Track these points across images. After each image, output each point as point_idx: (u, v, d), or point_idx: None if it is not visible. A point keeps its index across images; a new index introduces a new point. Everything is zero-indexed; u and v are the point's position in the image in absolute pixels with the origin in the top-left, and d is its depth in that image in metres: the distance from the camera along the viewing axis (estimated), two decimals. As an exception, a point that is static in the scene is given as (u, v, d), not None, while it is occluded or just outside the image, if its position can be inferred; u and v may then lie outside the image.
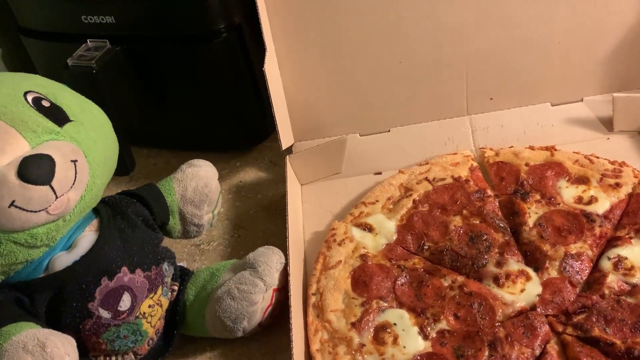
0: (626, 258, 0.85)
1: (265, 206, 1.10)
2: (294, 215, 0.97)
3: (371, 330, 0.81)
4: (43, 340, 0.67)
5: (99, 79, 0.99)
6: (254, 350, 0.88)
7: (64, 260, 0.75)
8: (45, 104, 0.74)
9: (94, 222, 0.80)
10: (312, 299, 0.86)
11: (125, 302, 0.78)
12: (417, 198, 0.98)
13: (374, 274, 0.88)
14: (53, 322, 0.74)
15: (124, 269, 0.79)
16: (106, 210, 0.82)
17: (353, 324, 0.82)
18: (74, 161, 0.72)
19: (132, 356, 0.83)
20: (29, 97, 0.73)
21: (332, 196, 1.06)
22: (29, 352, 0.66)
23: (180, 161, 0.94)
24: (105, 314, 0.77)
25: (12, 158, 0.67)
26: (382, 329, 0.81)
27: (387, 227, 0.95)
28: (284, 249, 0.89)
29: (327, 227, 0.99)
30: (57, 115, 0.74)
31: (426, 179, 1.01)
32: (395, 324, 0.81)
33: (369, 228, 0.95)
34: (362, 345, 0.79)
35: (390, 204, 0.99)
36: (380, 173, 1.09)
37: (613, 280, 0.82)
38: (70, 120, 0.75)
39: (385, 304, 0.84)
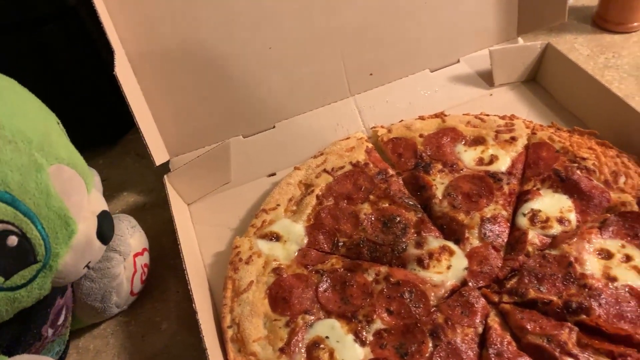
0: (540, 211, 0.83)
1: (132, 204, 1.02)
2: (186, 241, 0.85)
3: (303, 351, 0.72)
4: None
5: None
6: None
7: None
8: None
9: None
10: (229, 333, 0.75)
11: (62, 317, 0.75)
12: (320, 193, 0.90)
13: (292, 287, 0.78)
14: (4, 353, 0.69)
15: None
16: None
17: (282, 350, 0.72)
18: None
19: None
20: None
21: (227, 210, 0.95)
22: None
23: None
24: (50, 332, 0.72)
25: (88, 214, 0.67)
26: (314, 346, 0.72)
27: (295, 231, 0.86)
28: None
29: (228, 247, 0.88)
30: None
31: (324, 170, 0.94)
32: (327, 337, 0.73)
33: (275, 237, 0.85)
34: (297, 370, 0.70)
35: (293, 205, 0.90)
36: (274, 174, 0.99)
37: (534, 236, 0.80)
38: None
39: (312, 318, 0.75)
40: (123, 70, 0.83)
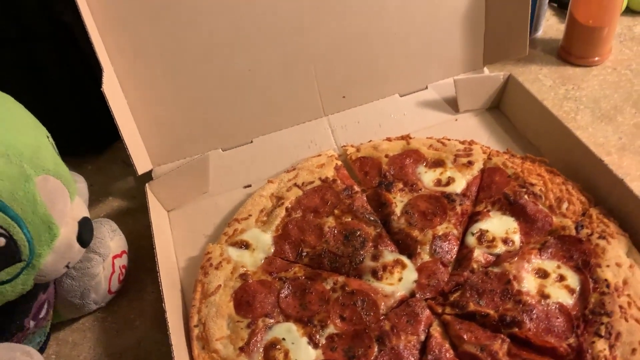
0: (487, 231, 0.90)
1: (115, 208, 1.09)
2: (163, 245, 0.92)
3: (261, 350, 0.79)
4: (27, 350, 0.72)
5: None
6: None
7: None
8: None
9: None
10: (195, 331, 0.82)
11: (44, 311, 0.81)
12: (290, 205, 0.98)
13: (256, 292, 0.86)
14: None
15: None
16: None
17: (241, 349, 0.79)
18: None
19: None
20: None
21: (203, 218, 1.02)
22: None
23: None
24: (32, 324, 0.78)
25: (70, 220, 0.74)
26: (271, 346, 0.79)
27: (264, 240, 0.93)
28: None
29: (202, 252, 0.95)
30: None
31: (295, 184, 1.01)
32: (284, 339, 0.80)
33: (245, 245, 0.93)
34: (254, 368, 0.77)
35: (264, 215, 0.97)
36: (249, 186, 1.07)
37: (479, 254, 0.87)
38: None
39: (272, 321, 0.82)
40: (110, 87, 0.91)
